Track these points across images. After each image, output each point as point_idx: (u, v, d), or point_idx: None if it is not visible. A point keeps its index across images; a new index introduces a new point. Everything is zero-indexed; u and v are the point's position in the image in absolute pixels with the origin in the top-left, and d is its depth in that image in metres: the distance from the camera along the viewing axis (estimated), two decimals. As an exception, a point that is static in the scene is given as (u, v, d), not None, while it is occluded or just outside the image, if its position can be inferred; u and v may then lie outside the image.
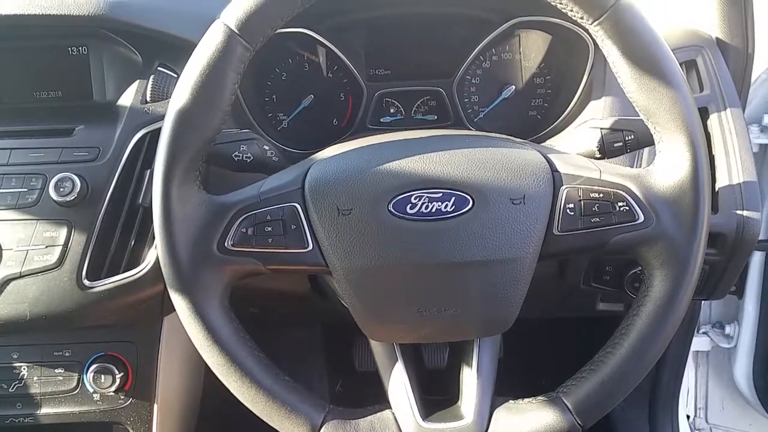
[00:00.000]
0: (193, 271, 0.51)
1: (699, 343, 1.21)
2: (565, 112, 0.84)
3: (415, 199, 0.52)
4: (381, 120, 0.87)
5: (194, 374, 0.85)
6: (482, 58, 0.85)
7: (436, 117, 0.87)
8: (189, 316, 0.52)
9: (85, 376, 0.72)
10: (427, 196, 0.52)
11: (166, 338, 0.74)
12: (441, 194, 0.52)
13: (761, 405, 1.17)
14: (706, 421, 1.27)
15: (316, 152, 0.62)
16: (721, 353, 1.21)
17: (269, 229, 0.52)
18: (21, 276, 0.64)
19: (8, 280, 0.64)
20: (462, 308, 0.54)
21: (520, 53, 0.85)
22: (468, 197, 0.52)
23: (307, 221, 0.53)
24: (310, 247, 0.53)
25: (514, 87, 0.85)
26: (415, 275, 0.53)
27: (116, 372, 0.71)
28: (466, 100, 0.86)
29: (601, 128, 0.61)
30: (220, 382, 0.54)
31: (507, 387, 0.63)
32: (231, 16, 0.50)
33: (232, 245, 0.52)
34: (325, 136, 0.85)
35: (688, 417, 1.26)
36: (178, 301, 0.52)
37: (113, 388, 0.71)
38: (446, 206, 0.52)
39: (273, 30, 0.52)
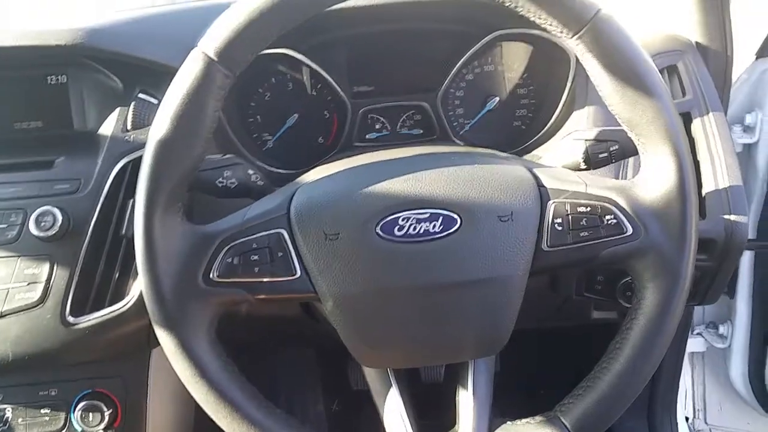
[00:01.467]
0: (178, 305, 0.50)
1: (694, 344, 1.21)
2: (550, 122, 0.84)
3: (402, 220, 0.51)
4: (367, 136, 0.86)
5: (185, 408, 0.83)
6: (465, 71, 0.85)
7: (421, 131, 0.86)
8: (175, 353, 0.51)
9: (72, 415, 0.70)
10: (415, 217, 0.51)
11: (154, 371, 0.72)
12: (428, 214, 0.51)
13: (758, 404, 1.17)
14: (705, 422, 1.27)
15: (303, 173, 0.61)
16: (716, 353, 1.21)
17: (256, 257, 0.51)
18: (2, 315, 0.62)
19: None
20: (455, 330, 0.53)
21: (502, 64, 0.85)
22: (455, 216, 0.51)
23: (294, 248, 0.52)
24: (298, 274, 0.52)
25: (498, 98, 0.85)
26: (405, 298, 0.52)
27: (105, 409, 0.69)
28: (450, 113, 0.86)
29: (586, 140, 0.61)
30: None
31: (504, 401, 0.62)
32: (209, 44, 0.49)
33: (217, 276, 0.51)
34: (312, 155, 0.85)
35: (687, 419, 1.26)
36: (164, 337, 0.50)
37: (102, 426, 0.69)
38: (434, 226, 0.51)
39: (253, 55, 0.51)
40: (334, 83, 0.82)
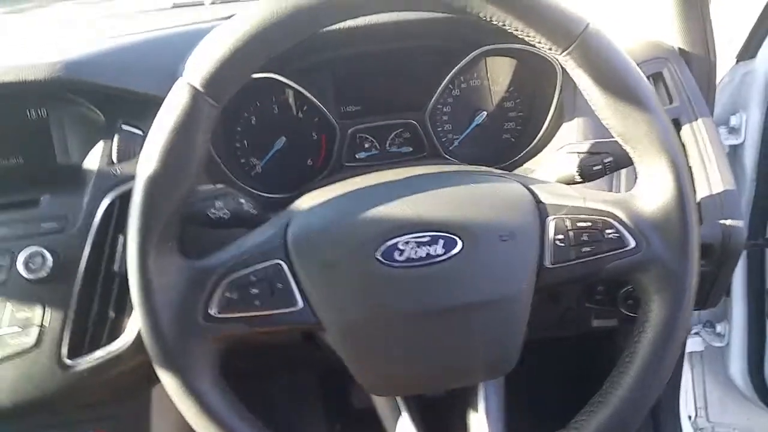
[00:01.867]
0: (179, 344, 0.49)
1: (692, 344, 1.21)
2: (539, 135, 0.84)
3: (402, 245, 0.50)
4: (356, 156, 0.86)
5: None
6: (451, 87, 0.85)
7: (411, 149, 0.86)
8: (180, 393, 0.49)
9: None
10: (415, 241, 0.50)
11: (156, 409, 0.70)
12: (429, 237, 0.50)
13: (758, 399, 1.17)
14: (708, 419, 1.27)
15: (293, 196, 0.60)
16: (714, 352, 1.22)
17: (255, 290, 0.50)
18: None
19: None
20: (463, 353, 0.52)
21: (488, 79, 0.86)
22: (456, 238, 0.51)
23: (293, 278, 0.51)
24: (300, 305, 0.50)
25: (485, 113, 0.85)
26: (410, 324, 0.51)
27: (106, 452, 0.67)
28: (439, 129, 0.86)
29: (579, 152, 0.61)
30: None
31: (510, 416, 0.61)
32: (195, 75, 0.48)
33: (217, 313, 0.50)
34: (301, 178, 0.84)
35: (689, 417, 1.26)
36: (166, 377, 0.49)
37: (103, 471, 0.67)
38: (435, 250, 0.50)
39: (240, 84, 0.50)
40: (320, 105, 0.82)
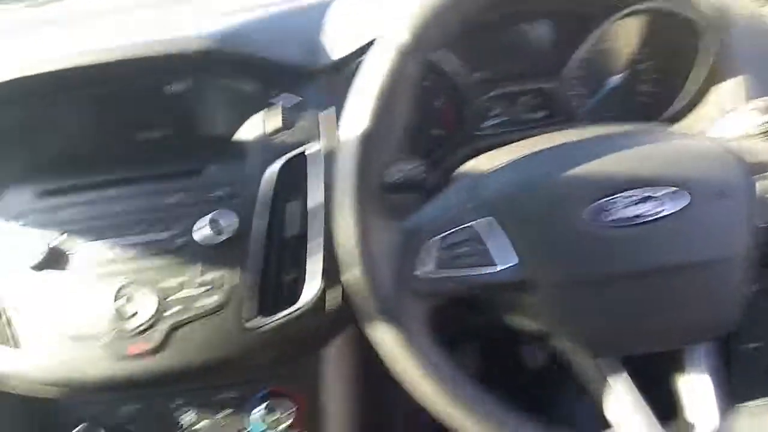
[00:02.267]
0: (399, 304, 0.50)
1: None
2: (680, 96, 0.81)
3: (616, 203, 0.50)
4: (487, 124, 0.85)
5: (362, 403, 0.83)
6: (585, 50, 0.83)
7: (542, 114, 0.85)
8: (402, 353, 0.50)
9: (251, 416, 0.70)
10: (632, 199, 0.50)
11: (329, 369, 0.73)
12: (643, 196, 0.50)
13: None
14: None
15: (432, 163, 0.59)
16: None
17: (461, 250, 0.51)
18: (187, 322, 0.62)
19: (175, 328, 0.62)
20: (685, 313, 0.52)
21: (622, 40, 0.83)
22: (676, 195, 0.50)
23: (498, 238, 0.51)
24: (505, 265, 0.51)
25: (619, 75, 0.83)
26: (633, 283, 0.51)
27: (284, 409, 0.69)
28: (572, 93, 0.84)
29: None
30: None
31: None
32: (403, 36, 0.48)
33: (429, 273, 0.51)
34: (431, 147, 0.84)
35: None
36: (387, 337, 0.50)
37: (282, 426, 0.69)
38: (652, 207, 0.50)
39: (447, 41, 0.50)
40: (449, 72, 0.81)
